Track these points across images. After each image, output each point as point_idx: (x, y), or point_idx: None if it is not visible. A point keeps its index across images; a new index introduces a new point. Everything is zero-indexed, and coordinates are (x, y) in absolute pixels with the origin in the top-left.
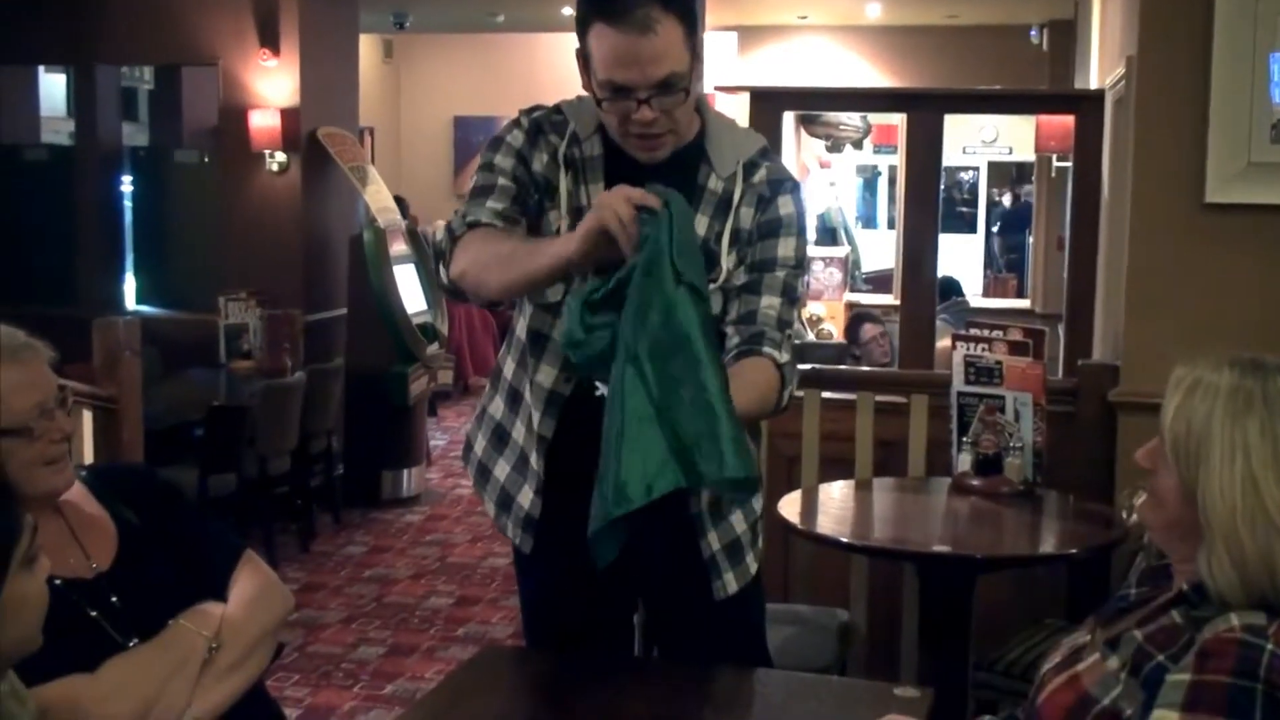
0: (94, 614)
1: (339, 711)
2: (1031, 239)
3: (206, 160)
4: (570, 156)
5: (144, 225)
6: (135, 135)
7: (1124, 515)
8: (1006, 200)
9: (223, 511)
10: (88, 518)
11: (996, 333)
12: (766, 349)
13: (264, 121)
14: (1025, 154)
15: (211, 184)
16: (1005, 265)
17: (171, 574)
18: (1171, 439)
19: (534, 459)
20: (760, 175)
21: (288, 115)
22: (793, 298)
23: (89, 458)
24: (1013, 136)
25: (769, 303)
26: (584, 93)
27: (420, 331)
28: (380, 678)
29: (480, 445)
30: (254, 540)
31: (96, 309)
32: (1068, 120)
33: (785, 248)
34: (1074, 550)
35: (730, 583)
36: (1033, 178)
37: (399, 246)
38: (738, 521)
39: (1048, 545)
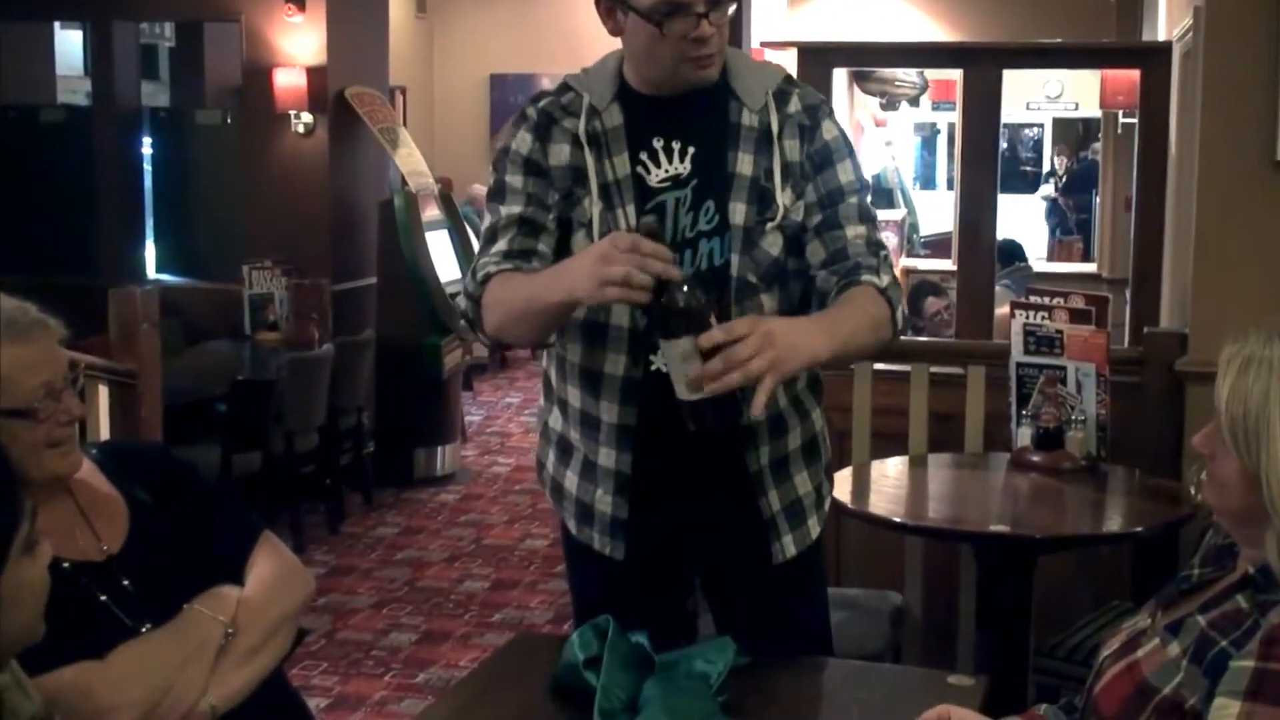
0: (104, 598)
1: (369, 701)
2: (1099, 199)
3: (229, 121)
4: (591, 131)
5: (164, 189)
6: (155, 95)
7: (1192, 491)
8: (1059, 164)
9: (247, 491)
10: (98, 498)
11: (1057, 300)
12: (865, 277)
13: (289, 80)
14: (1092, 110)
15: (234, 146)
16: (1073, 226)
17: (186, 556)
18: (1229, 421)
19: (610, 456)
20: (794, 105)
21: (314, 74)
22: (871, 218)
23: (105, 435)
24: (1079, 91)
25: (855, 232)
26: (589, 65)
27: (454, 301)
28: (412, 665)
29: (550, 461)
30: (280, 521)
31: (115, 277)
32: (1134, 74)
33: (845, 172)
34: (1140, 529)
35: (789, 546)
36: (1099, 135)
37: (431, 212)
38: (801, 482)
39: (1112, 524)
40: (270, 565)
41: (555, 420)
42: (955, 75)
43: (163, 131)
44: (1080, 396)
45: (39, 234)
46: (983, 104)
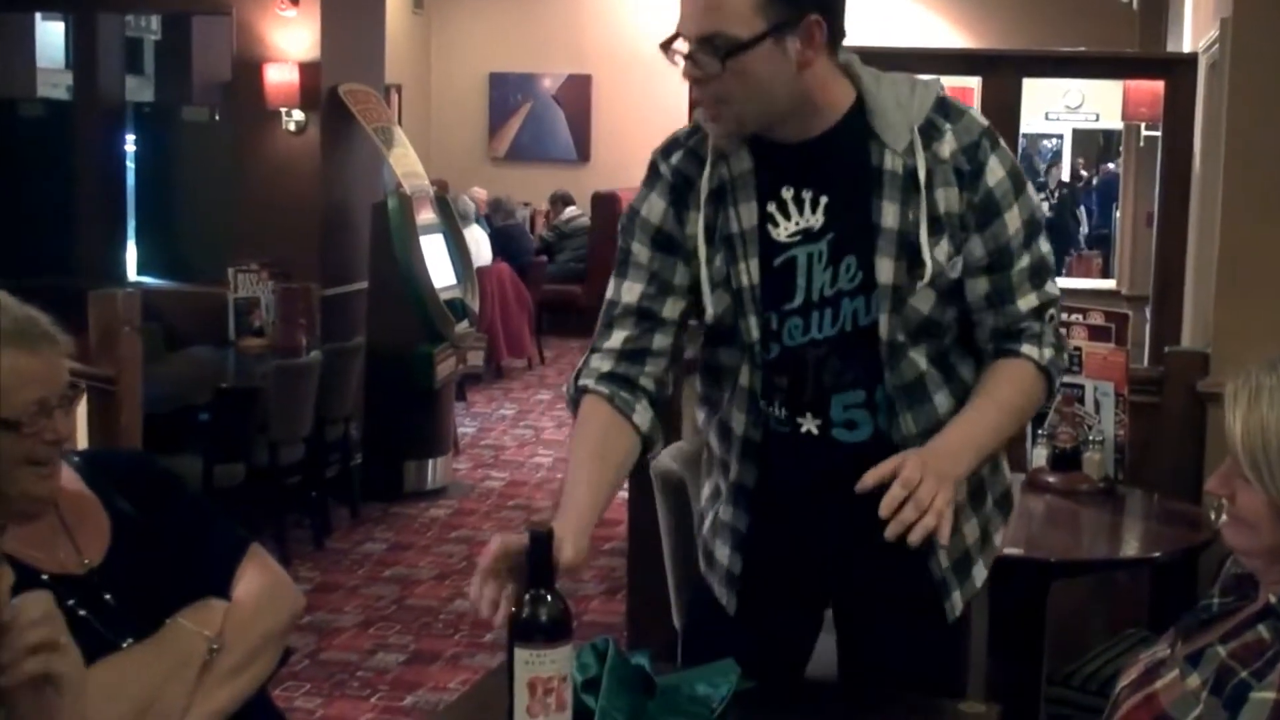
0: (84, 613)
1: None
2: (1119, 214)
3: (217, 118)
4: (719, 181)
5: (148, 188)
6: (140, 90)
7: (1212, 516)
8: (1050, 180)
9: (230, 503)
10: (79, 508)
11: (1075, 316)
12: (1026, 348)
13: (281, 76)
14: (1113, 121)
15: (222, 144)
16: (1081, 241)
17: (170, 570)
18: (1248, 455)
19: (729, 512)
20: (948, 144)
21: (307, 70)
22: (1043, 270)
23: (83, 443)
24: (1100, 102)
25: (1028, 304)
26: None
27: (448, 308)
28: (400, 687)
29: (705, 496)
30: (264, 536)
31: (95, 279)
32: (1157, 86)
33: (1014, 220)
34: (1158, 554)
35: (958, 603)
36: (1120, 147)
37: (426, 215)
38: (970, 531)
39: (1129, 548)
40: (258, 579)
41: (712, 462)
42: (973, 83)
43: (147, 128)
44: (1098, 416)
45: (15, 233)
46: (1000, 113)
